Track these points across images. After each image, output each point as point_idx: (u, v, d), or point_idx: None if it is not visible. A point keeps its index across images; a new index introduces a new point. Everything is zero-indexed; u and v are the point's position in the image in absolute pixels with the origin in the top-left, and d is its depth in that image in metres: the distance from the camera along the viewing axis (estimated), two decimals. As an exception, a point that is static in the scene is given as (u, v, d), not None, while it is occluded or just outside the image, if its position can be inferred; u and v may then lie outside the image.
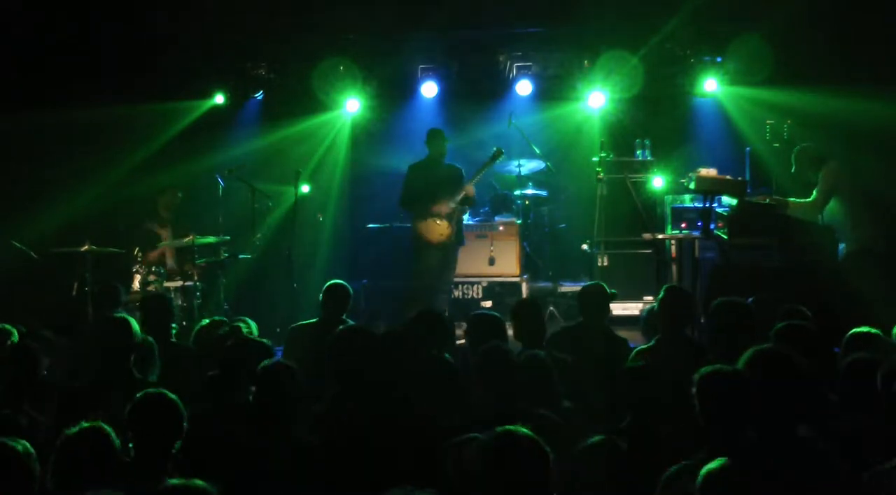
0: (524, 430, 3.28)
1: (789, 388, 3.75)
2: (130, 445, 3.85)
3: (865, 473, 3.69)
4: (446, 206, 9.12)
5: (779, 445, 3.64)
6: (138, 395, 3.97)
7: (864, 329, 5.11)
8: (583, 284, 9.80)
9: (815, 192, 8.08)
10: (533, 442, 3.23)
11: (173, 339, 6.36)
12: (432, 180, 9.25)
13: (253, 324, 6.24)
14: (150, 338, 5.51)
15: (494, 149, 9.49)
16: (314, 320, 6.64)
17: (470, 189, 9.22)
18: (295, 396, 4.26)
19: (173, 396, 3.95)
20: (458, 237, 9.31)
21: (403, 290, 9.46)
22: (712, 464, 3.17)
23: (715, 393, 3.62)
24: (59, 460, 3.55)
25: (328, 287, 6.65)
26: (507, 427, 3.28)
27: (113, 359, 5.01)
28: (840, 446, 3.83)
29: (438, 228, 9.12)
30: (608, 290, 6.33)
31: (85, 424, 3.63)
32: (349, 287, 6.67)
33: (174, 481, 3.16)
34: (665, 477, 3.57)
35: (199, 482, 3.11)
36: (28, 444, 3.39)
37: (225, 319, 6.59)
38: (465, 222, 10.32)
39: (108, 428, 3.64)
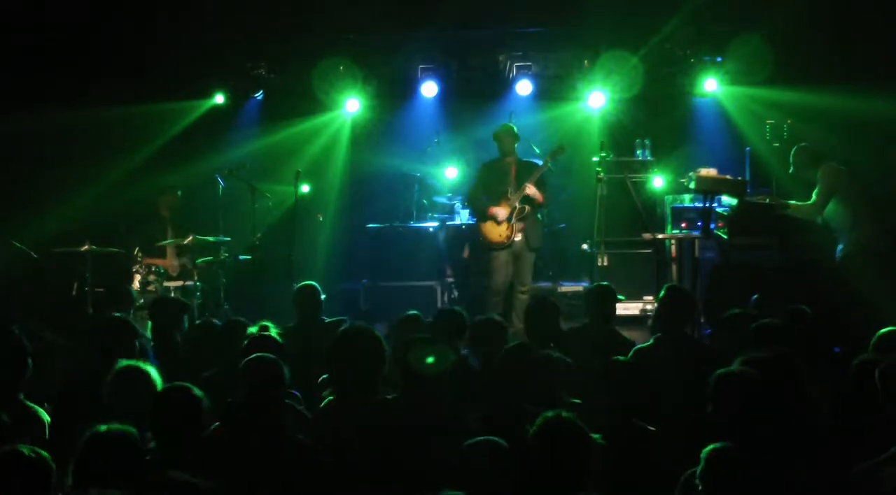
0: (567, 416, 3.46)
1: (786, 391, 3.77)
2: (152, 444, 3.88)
3: (857, 467, 3.70)
4: (505, 208, 8.90)
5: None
6: (160, 389, 3.99)
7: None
8: (584, 284, 9.91)
9: (814, 194, 8.07)
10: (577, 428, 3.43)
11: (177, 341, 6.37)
12: (497, 178, 9.04)
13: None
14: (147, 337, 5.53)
15: (556, 145, 9.21)
16: (291, 324, 6.66)
17: (529, 188, 8.84)
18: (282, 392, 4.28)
19: (198, 392, 3.97)
20: (527, 239, 8.93)
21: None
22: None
23: (732, 394, 3.61)
24: (81, 460, 3.52)
25: (299, 289, 6.69)
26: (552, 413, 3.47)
27: (112, 358, 4.99)
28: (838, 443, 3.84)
29: (498, 229, 8.92)
30: (615, 292, 6.34)
31: (116, 426, 3.60)
32: (318, 287, 6.71)
33: (176, 475, 3.16)
34: (686, 477, 3.57)
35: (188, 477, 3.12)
36: (43, 451, 3.36)
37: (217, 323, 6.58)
38: (465, 222, 10.32)
39: (132, 429, 3.62)
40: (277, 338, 5.31)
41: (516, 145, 9.10)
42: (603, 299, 6.27)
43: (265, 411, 4.18)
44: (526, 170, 8.99)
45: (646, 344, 5.67)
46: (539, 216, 9.17)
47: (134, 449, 3.57)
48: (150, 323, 6.76)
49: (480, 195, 9.12)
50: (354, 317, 7.34)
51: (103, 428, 3.57)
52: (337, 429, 4.31)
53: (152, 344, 6.16)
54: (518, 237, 8.92)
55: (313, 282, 6.82)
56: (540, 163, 9.13)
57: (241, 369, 4.33)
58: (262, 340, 5.11)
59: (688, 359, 5.02)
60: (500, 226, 8.91)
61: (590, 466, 3.45)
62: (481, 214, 9.06)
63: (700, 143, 10.74)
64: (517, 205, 8.90)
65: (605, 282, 6.83)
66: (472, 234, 9.63)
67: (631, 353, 5.49)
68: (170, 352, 6.10)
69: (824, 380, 4.70)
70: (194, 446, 3.87)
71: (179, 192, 9.77)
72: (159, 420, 3.92)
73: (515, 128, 9.17)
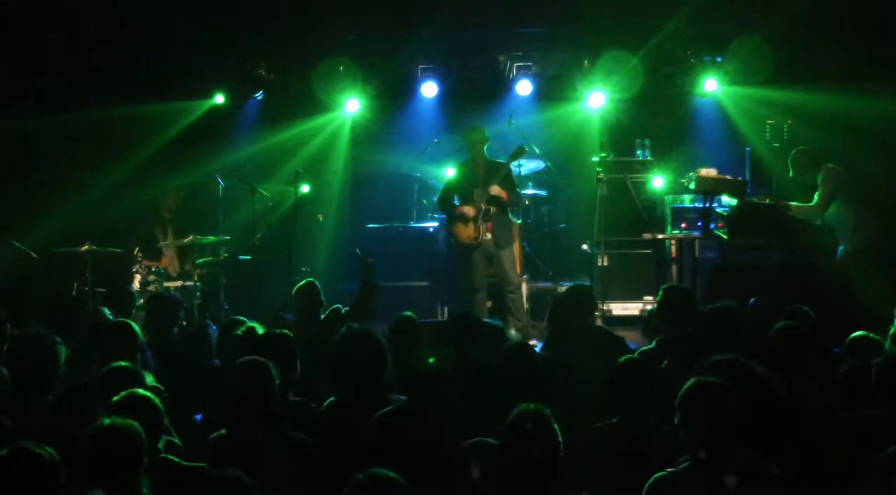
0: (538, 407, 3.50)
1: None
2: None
3: (861, 466, 3.70)
4: (472, 208, 8.94)
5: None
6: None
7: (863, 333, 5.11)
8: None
9: (815, 196, 8.08)
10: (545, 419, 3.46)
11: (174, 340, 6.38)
12: (466, 180, 9.09)
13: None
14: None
15: (517, 146, 9.23)
16: (291, 321, 6.68)
17: (494, 189, 8.84)
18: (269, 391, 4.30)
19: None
20: (496, 238, 8.92)
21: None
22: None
23: (698, 406, 3.62)
24: (84, 455, 3.52)
25: (300, 288, 6.78)
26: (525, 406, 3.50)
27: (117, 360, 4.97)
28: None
29: (466, 230, 8.96)
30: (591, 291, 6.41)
31: (118, 420, 3.60)
32: (318, 285, 6.75)
33: (214, 471, 3.16)
34: (650, 484, 3.58)
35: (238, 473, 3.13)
36: (54, 451, 3.37)
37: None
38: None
39: (136, 424, 3.62)
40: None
41: (486, 147, 9.11)
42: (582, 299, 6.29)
43: (261, 413, 4.18)
44: (493, 171, 9.01)
45: (648, 347, 5.66)
46: (510, 215, 9.18)
47: (140, 442, 3.57)
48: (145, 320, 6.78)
49: (450, 197, 9.17)
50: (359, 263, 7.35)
51: (107, 421, 3.57)
52: (335, 436, 4.31)
53: (148, 342, 6.14)
54: (487, 237, 8.95)
55: (313, 280, 6.85)
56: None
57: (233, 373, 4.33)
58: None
59: (689, 361, 5.00)
60: (468, 227, 8.96)
61: (557, 460, 3.49)
62: (450, 215, 9.13)
63: (700, 143, 10.74)
64: (483, 205, 8.93)
65: (584, 282, 6.85)
66: (448, 234, 9.63)
67: (635, 355, 5.49)
68: (166, 349, 6.10)
69: (822, 380, 4.70)
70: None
71: (182, 194, 9.75)
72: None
73: (486, 131, 9.17)
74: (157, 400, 4.02)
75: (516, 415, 3.55)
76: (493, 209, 8.93)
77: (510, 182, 9.08)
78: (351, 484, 3.11)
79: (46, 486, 3.26)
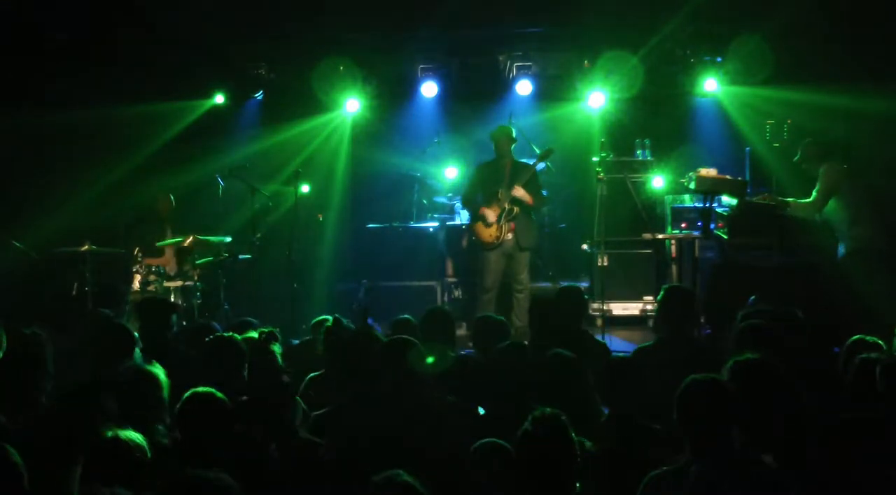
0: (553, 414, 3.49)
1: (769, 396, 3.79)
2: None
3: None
4: (495, 208, 8.99)
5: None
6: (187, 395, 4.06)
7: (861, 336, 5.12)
8: (584, 284, 9.92)
9: (814, 192, 8.08)
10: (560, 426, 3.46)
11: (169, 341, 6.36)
12: (492, 179, 9.11)
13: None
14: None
15: (547, 148, 9.35)
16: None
17: (518, 190, 8.90)
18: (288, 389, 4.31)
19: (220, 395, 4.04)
20: (518, 239, 8.99)
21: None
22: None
23: (694, 403, 3.63)
24: (91, 463, 3.53)
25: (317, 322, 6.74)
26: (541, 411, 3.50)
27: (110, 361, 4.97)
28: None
29: (488, 230, 9.00)
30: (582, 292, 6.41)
31: (132, 432, 3.63)
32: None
33: (195, 472, 3.16)
34: (645, 482, 3.58)
35: (221, 475, 3.13)
36: (12, 449, 3.37)
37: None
38: (465, 222, 10.31)
39: (139, 436, 3.63)
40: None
41: (513, 147, 9.15)
42: (573, 300, 6.29)
43: (272, 411, 4.19)
44: (519, 172, 9.04)
45: (647, 343, 5.66)
46: (532, 216, 9.21)
47: (142, 455, 3.58)
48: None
49: (475, 195, 9.18)
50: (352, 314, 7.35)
51: (109, 433, 3.56)
52: (345, 433, 4.32)
53: (142, 348, 6.13)
54: (508, 237, 8.98)
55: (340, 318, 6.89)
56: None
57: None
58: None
59: (688, 361, 5.01)
60: (491, 227, 8.97)
61: (575, 464, 3.48)
62: (473, 215, 9.16)
63: (700, 143, 10.73)
64: (506, 205, 8.95)
65: (573, 284, 6.83)
66: (469, 232, 9.69)
67: (633, 352, 5.49)
68: (160, 353, 6.07)
69: (819, 380, 4.70)
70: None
71: (172, 197, 9.73)
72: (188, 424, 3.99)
73: (513, 131, 9.22)
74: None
75: (531, 423, 3.52)
76: (516, 209, 8.97)
77: (536, 184, 9.12)
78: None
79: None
